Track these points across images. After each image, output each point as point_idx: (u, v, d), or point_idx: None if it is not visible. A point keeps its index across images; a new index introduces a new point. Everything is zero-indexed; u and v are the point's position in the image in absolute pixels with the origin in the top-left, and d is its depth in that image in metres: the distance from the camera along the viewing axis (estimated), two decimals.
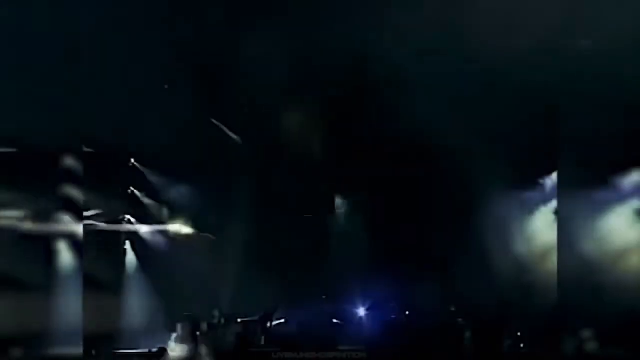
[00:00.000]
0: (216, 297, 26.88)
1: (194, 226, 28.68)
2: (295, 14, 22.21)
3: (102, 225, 25.80)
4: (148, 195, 27.92)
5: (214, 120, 28.07)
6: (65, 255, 23.05)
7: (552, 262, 21.94)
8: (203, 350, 24.87)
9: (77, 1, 21.26)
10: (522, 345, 23.42)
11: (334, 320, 26.39)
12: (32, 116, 21.18)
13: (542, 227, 24.43)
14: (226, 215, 27.92)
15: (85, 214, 23.88)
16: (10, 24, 20.57)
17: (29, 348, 21.03)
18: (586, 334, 19.42)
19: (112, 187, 25.87)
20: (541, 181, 24.87)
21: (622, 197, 19.31)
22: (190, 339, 25.42)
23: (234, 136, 28.12)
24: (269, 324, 25.44)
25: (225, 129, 28.18)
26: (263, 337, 25.06)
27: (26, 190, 21.77)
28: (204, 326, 25.70)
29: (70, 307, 22.27)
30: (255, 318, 26.22)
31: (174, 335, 25.98)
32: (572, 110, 19.42)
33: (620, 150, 19.00)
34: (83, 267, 22.99)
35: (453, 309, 24.59)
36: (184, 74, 24.56)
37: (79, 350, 21.85)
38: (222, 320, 26.24)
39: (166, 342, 25.29)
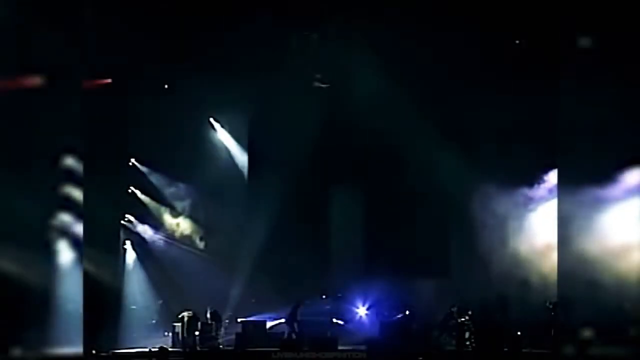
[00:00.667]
0: (216, 297, 26.92)
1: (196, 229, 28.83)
2: None
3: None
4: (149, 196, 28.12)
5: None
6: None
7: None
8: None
9: None
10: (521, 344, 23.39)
11: (334, 320, 26.41)
12: None
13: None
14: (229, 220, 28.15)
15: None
16: None
17: None
18: (586, 332, 19.34)
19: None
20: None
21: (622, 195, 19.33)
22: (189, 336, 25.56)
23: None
24: (296, 320, 25.47)
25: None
26: (292, 333, 25.15)
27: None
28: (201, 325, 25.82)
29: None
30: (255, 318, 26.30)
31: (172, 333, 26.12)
32: None
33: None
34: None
35: (455, 309, 24.59)
36: None
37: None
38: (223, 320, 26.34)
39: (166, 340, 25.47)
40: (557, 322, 22.60)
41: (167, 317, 27.09)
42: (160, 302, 27.50)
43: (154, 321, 27.29)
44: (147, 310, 27.67)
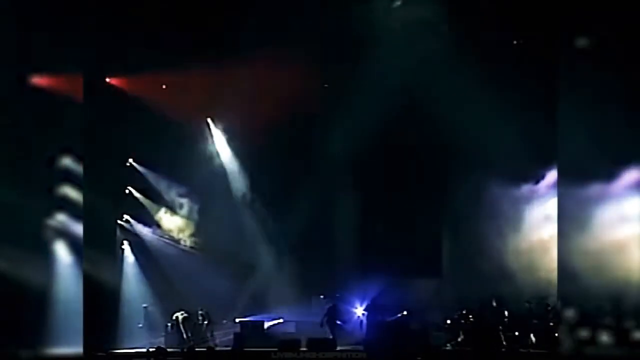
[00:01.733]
0: (214, 297, 26.95)
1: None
2: None
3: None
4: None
5: None
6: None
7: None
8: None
9: None
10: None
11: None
12: None
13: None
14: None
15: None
16: None
17: None
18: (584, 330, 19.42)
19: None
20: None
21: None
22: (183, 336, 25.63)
23: None
24: (335, 322, 25.54)
25: None
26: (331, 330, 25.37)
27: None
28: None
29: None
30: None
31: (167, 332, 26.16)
32: None
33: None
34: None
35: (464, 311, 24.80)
36: None
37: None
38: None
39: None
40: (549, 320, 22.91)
41: (156, 319, 27.13)
42: (145, 306, 27.46)
43: (140, 325, 27.21)
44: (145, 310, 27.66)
